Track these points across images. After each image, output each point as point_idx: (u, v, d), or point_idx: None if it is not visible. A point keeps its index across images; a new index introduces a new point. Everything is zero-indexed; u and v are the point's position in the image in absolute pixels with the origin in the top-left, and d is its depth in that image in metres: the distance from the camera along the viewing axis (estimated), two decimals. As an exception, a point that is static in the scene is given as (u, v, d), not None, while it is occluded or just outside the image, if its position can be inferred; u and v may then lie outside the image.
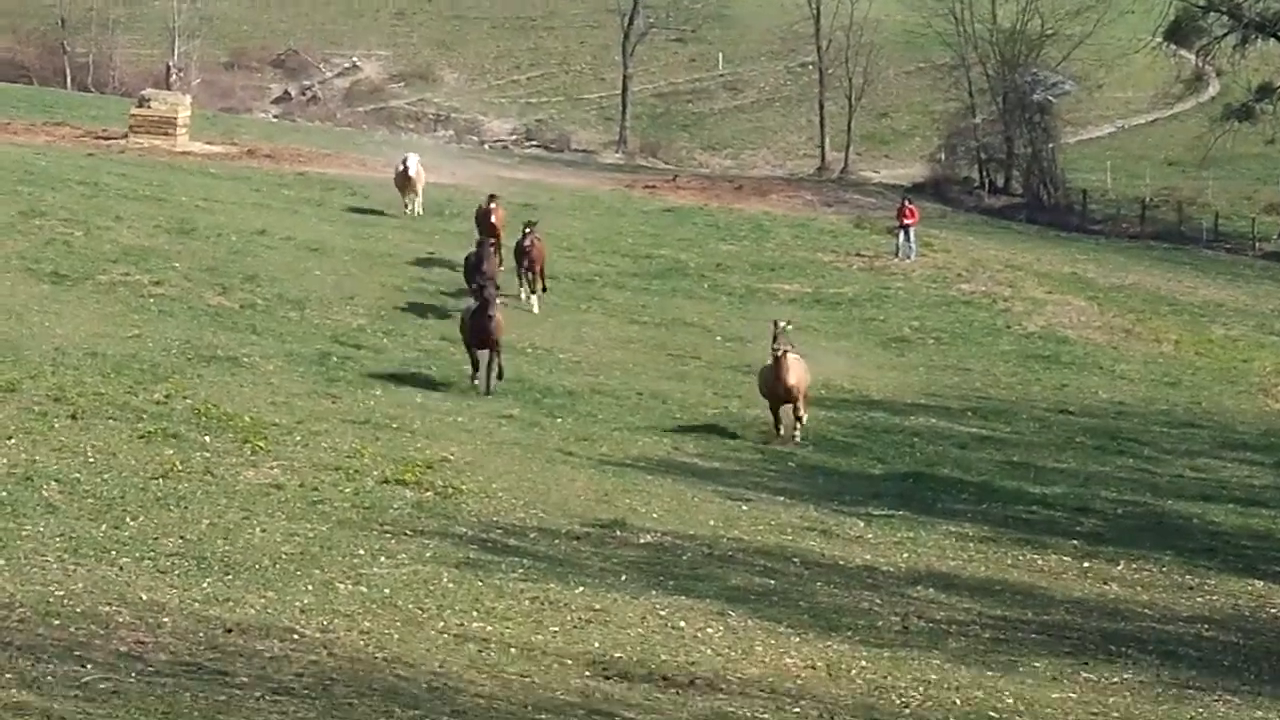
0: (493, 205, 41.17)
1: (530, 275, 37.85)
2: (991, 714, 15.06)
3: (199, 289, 34.24)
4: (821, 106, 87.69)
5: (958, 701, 15.36)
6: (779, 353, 28.43)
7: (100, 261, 34.96)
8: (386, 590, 16.75)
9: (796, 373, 28.59)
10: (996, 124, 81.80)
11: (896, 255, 51.83)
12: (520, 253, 38.09)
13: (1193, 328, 47.10)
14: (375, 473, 21.71)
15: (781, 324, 29.39)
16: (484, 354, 29.65)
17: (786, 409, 28.87)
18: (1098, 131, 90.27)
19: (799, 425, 28.91)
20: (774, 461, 27.21)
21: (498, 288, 31.40)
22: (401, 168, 47.75)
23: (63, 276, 33.07)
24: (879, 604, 18.86)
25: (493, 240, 37.61)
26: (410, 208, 47.90)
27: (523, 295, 37.40)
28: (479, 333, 29.70)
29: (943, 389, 35.19)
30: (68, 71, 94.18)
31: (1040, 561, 21.98)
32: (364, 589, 16.72)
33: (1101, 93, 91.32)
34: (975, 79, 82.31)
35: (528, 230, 37.93)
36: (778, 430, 28.78)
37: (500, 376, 29.66)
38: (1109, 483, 27.73)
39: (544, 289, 38.43)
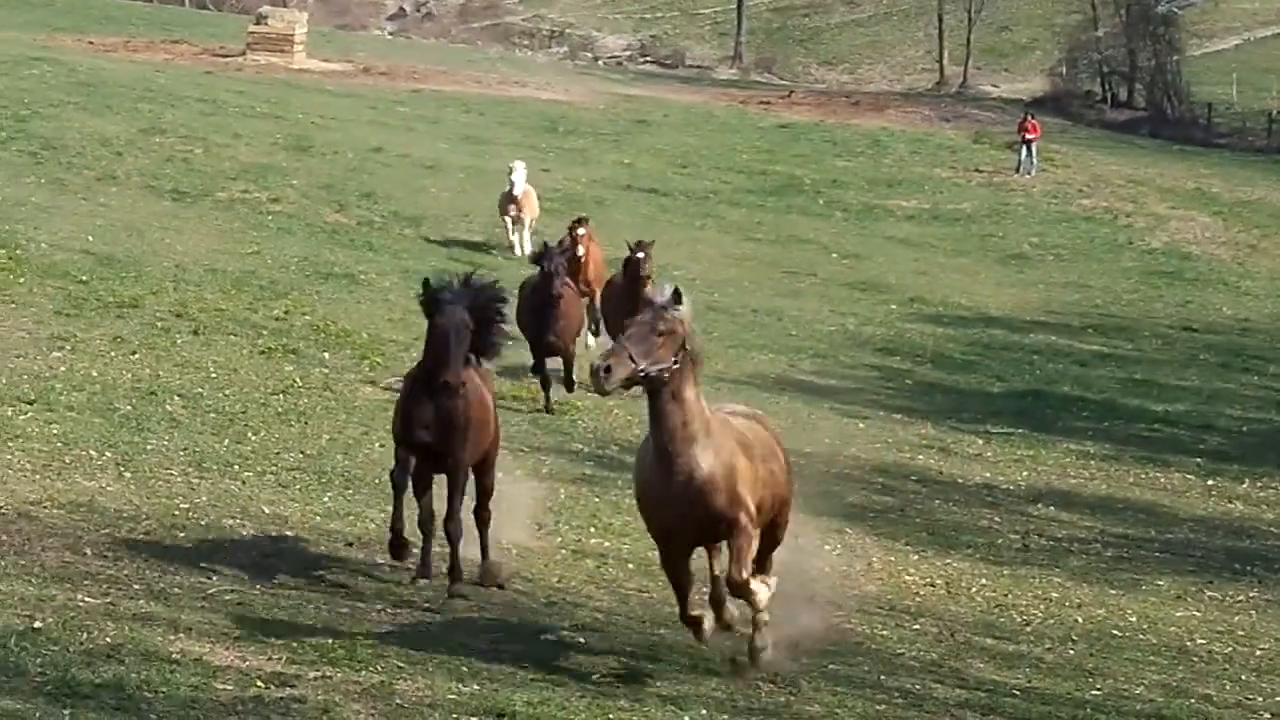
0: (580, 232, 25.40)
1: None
2: (1114, 632, 14.92)
3: (316, 206, 34.41)
4: (940, 19, 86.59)
5: (1079, 619, 15.23)
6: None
7: (219, 179, 35.20)
8: (504, 506, 16.79)
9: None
10: (1119, 36, 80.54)
11: (1017, 171, 51.29)
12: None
13: (1319, 244, 46.29)
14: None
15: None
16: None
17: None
18: (1223, 44, 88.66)
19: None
20: (892, 379, 27.05)
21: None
22: (508, 186, 33.47)
23: (183, 194, 33.33)
24: (998, 522, 18.74)
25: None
26: (518, 241, 32.89)
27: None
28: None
29: (1063, 306, 34.84)
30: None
31: (1163, 479, 21.76)
32: (482, 503, 16.75)
33: (1227, 4, 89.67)
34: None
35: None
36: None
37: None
38: (1233, 400, 27.38)
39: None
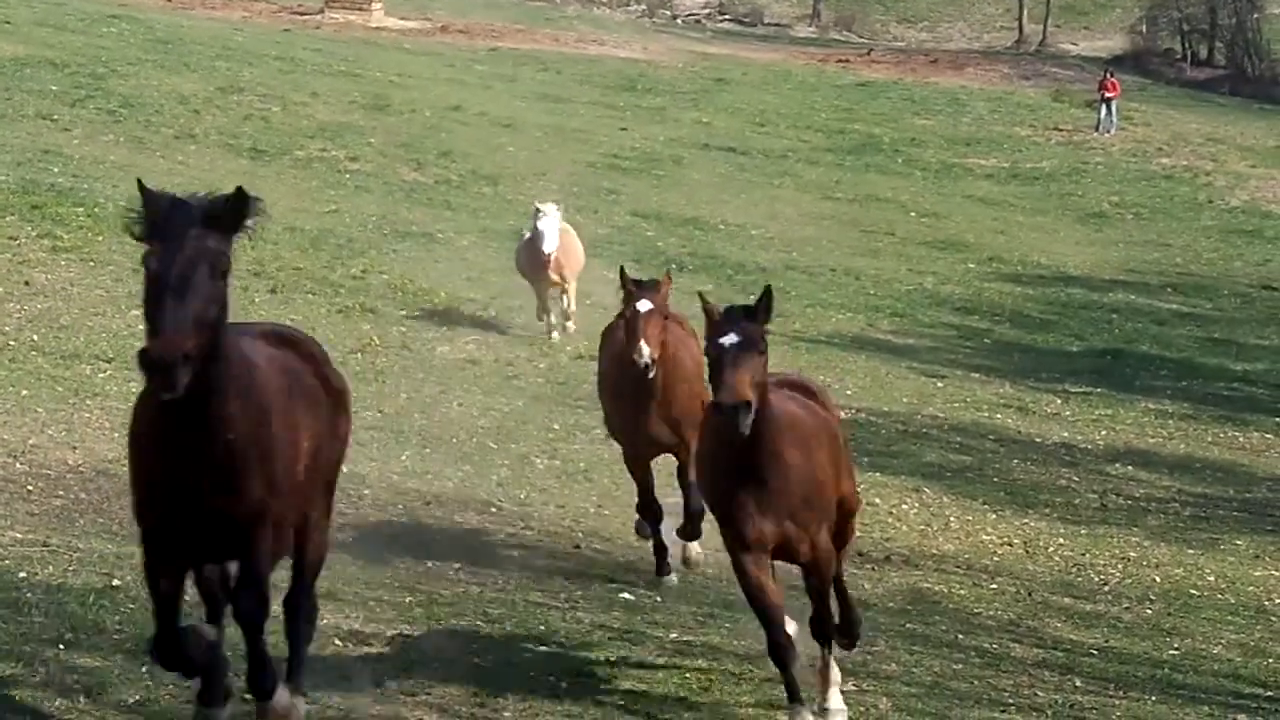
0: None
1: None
2: (1192, 591, 14.83)
3: (394, 164, 34.48)
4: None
5: (1157, 579, 15.15)
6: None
7: (297, 137, 35.31)
8: (581, 464, 16.84)
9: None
10: (1200, -7, 79.59)
11: (1097, 129, 50.87)
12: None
13: (1404, 202, 45.71)
14: (569, 348, 21.78)
15: None
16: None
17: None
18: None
19: None
20: (970, 338, 26.91)
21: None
22: (528, 234, 22.95)
23: (260, 152, 33.46)
24: (1076, 481, 18.63)
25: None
26: (557, 316, 23.14)
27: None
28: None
29: (1142, 265, 34.55)
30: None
31: (1242, 439, 21.57)
32: (559, 463, 16.81)
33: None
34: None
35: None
36: None
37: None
38: (1314, 360, 27.10)
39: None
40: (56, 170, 27.52)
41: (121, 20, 46.24)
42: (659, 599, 12.71)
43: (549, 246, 22.27)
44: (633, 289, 12.74)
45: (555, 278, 22.77)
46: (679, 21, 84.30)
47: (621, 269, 13.23)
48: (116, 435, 15.58)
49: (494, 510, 14.87)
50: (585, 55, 57.33)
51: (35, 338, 18.64)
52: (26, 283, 20.82)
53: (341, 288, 23.50)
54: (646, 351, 12.41)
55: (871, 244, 33.76)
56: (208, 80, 39.24)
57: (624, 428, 13.09)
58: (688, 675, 10.62)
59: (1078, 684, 11.53)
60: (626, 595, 12.62)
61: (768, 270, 29.68)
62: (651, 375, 12.50)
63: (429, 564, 13.10)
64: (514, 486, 15.79)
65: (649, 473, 13.29)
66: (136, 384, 17.16)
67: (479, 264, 26.48)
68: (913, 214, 37.43)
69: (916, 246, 33.79)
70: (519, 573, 13.05)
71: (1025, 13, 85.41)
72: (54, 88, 34.63)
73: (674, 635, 11.57)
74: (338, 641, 10.54)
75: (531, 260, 22.63)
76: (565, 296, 23.12)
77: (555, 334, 22.87)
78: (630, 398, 12.75)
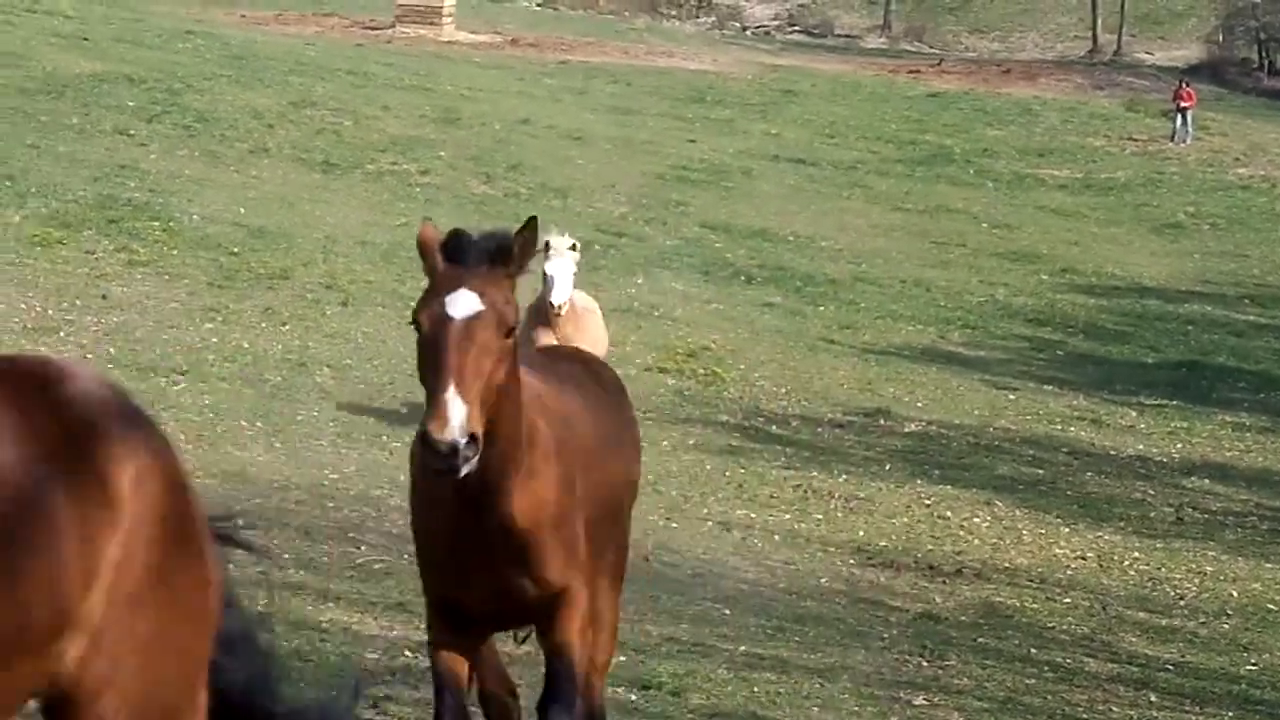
0: None
1: None
2: (1270, 606, 14.67)
3: (464, 178, 34.57)
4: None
5: (1234, 594, 14.99)
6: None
7: (369, 151, 35.46)
8: (650, 477, 16.75)
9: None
10: (1276, 3, 78.94)
11: (1172, 139, 50.54)
12: None
13: None
14: (637, 360, 21.76)
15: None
16: None
17: None
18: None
19: None
20: (1043, 350, 26.74)
21: None
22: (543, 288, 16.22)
23: (332, 166, 33.62)
24: (1152, 494, 18.47)
25: None
26: None
27: None
28: None
29: (1218, 275, 34.25)
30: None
31: (1321, 453, 21.33)
32: (629, 475, 16.76)
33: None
34: (1255, -45, 79.55)
35: None
36: None
37: None
38: (1394, 372, 26.77)
39: None
40: (133, 185, 27.74)
41: (197, 36, 46.60)
42: (727, 612, 12.67)
43: (558, 296, 16.02)
44: None
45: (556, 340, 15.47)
46: (748, 33, 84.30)
47: None
48: (191, 448, 15.67)
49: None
50: (655, 67, 57.40)
51: (112, 350, 18.77)
52: (103, 296, 20.98)
53: (412, 300, 23.42)
54: None
55: (942, 255, 33.61)
56: (281, 95, 39.47)
57: None
58: (756, 689, 10.58)
59: (1152, 699, 11.43)
60: (695, 608, 12.57)
61: (837, 281, 29.60)
62: None
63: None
64: (584, 499, 15.75)
65: None
66: (210, 396, 17.33)
67: (549, 276, 26.49)
68: (984, 225, 37.24)
69: (988, 258, 33.61)
70: (588, 585, 13.03)
71: (1100, 22, 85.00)
72: (131, 103, 34.92)
73: (743, 648, 11.52)
74: (408, 653, 10.56)
75: (536, 318, 15.79)
76: None
77: None
78: None
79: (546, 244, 15.54)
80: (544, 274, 16.02)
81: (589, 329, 16.24)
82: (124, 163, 29.40)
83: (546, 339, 15.33)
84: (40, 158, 28.59)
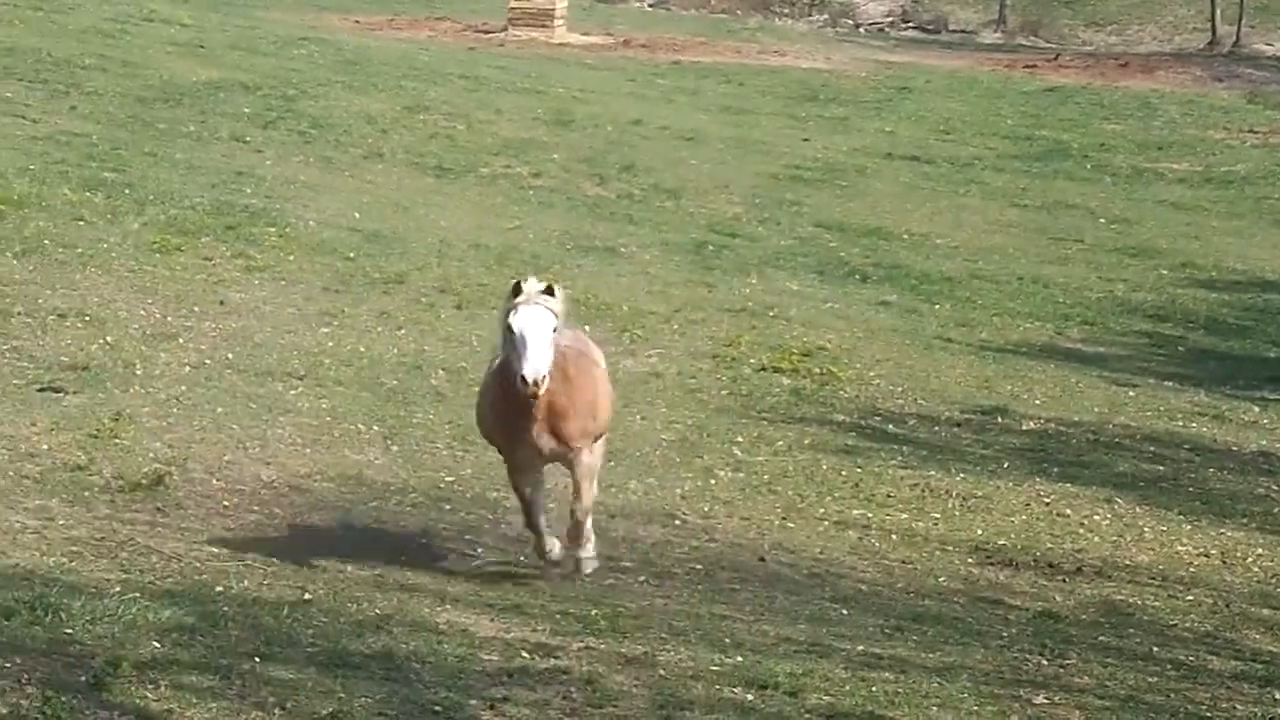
0: None
1: None
2: (1397, 605, 14.41)
3: (577, 180, 34.64)
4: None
5: (1360, 592, 14.75)
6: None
7: (481, 154, 35.60)
8: (766, 477, 16.77)
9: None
10: (1399, -11, 77.69)
11: (1293, 130, 49.84)
12: None
13: None
14: (752, 360, 21.71)
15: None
16: None
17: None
18: None
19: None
20: (1162, 345, 26.42)
21: None
22: (507, 336, 12.01)
23: (446, 170, 33.78)
24: (1275, 490, 18.20)
25: None
26: (542, 521, 13.10)
27: None
28: None
29: (1342, 269, 33.71)
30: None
31: None
32: (743, 475, 16.76)
33: None
34: (1376, -58, 78.24)
35: None
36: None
37: None
38: None
39: None
40: (249, 191, 28.02)
41: (311, 42, 47.00)
42: (845, 612, 12.61)
43: (530, 369, 11.76)
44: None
45: (544, 440, 12.42)
46: (862, 30, 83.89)
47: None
48: (309, 451, 15.81)
49: (678, 523, 14.85)
50: (767, 66, 57.26)
51: (230, 355, 18.97)
52: (221, 302, 21.20)
53: (527, 303, 23.58)
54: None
55: (1060, 251, 33.28)
56: (394, 100, 39.74)
57: None
58: (874, 689, 10.52)
59: (1277, 697, 11.27)
60: (811, 607, 12.53)
61: (952, 279, 29.39)
62: None
63: (614, 576, 13.12)
64: (697, 499, 15.77)
65: None
66: (327, 399, 17.44)
67: (661, 277, 26.51)
68: (1102, 220, 36.85)
69: (1106, 253, 33.25)
70: (703, 585, 13.01)
71: (1219, 13, 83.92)
72: (246, 110, 35.27)
73: (861, 648, 11.47)
74: (525, 654, 10.59)
75: (496, 402, 12.55)
76: (573, 471, 12.84)
77: (553, 551, 12.89)
78: None
79: (515, 285, 12.05)
80: (508, 330, 11.89)
81: (585, 384, 12.70)
82: (240, 169, 29.71)
83: (524, 421, 12.10)
84: (158, 165, 28.95)
